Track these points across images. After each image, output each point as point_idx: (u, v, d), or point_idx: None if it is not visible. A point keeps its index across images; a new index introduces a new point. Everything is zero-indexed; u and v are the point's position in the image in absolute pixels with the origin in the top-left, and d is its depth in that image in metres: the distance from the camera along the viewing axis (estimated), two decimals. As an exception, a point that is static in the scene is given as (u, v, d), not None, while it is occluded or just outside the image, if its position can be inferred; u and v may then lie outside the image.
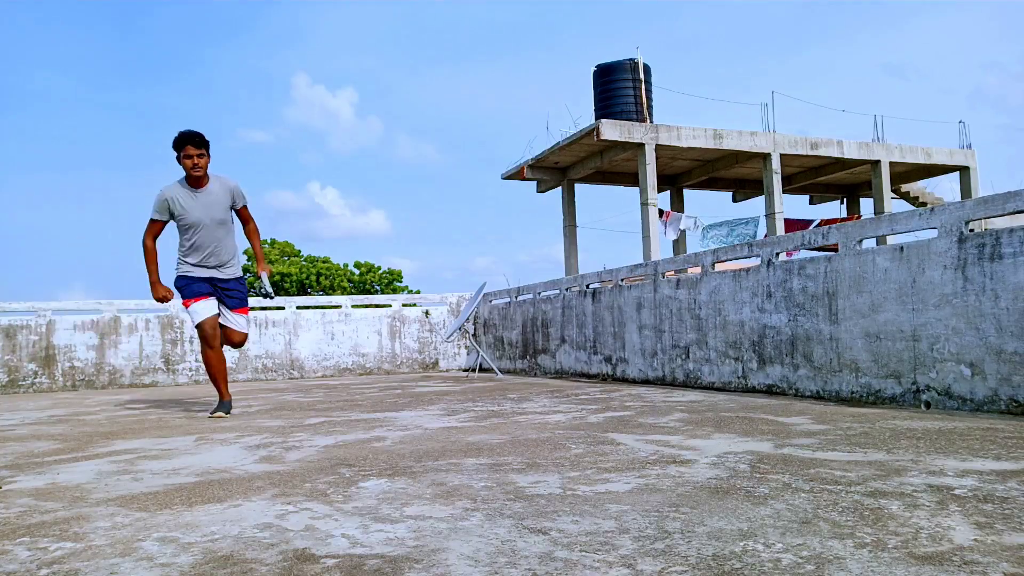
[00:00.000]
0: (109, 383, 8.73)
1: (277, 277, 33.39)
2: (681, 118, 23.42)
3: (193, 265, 4.62)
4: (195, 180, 4.54)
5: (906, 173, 22.23)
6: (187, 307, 4.63)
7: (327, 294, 33.64)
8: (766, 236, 19.70)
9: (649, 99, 19.49)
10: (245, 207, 4.79)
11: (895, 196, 22.00)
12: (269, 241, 36.52)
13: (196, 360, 9.13)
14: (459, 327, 8.86)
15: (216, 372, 4.68)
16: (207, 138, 4.56)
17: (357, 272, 35.93)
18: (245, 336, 4.90)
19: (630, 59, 19.59)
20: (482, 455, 2.72)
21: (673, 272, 6.10)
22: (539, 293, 8.49)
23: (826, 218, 21.98)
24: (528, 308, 8.63)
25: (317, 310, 9.91)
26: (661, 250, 18.90)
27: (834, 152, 20.00)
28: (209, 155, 4.55)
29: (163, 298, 4.62)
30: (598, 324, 7.10)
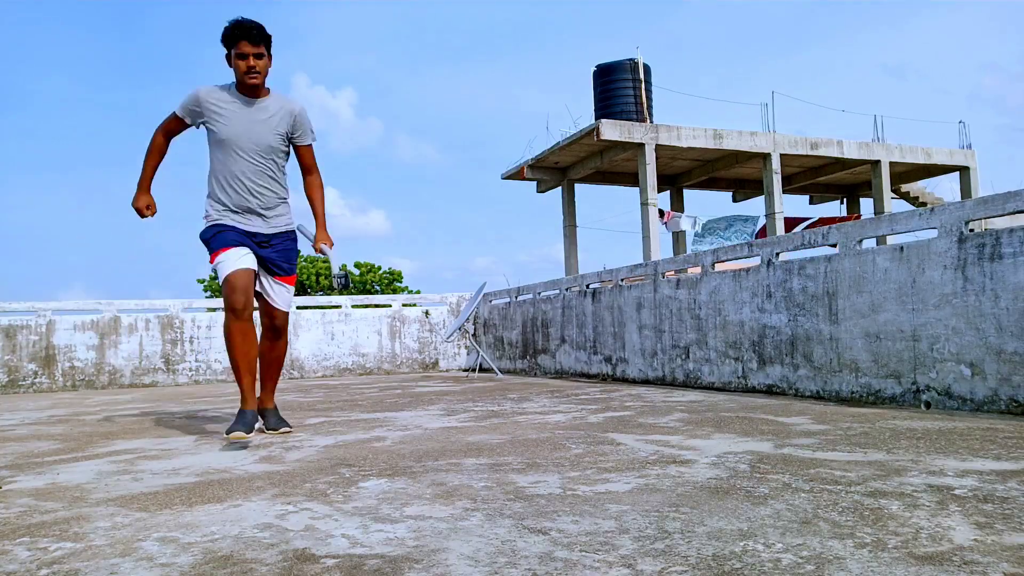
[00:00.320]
0: (109, 383, 8.73)
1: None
2: (681, 118, 23.44)
3: (225, 208, 3.36)
4: (250, 89, 3.34)
5: (906, 173, 22.23)
6: (213, 262, 3.37)
7: (327, 294, 33.66)
8: (760, 230, 19.72)
9: (649, 99, 19.49)
10: (310, 147, 3.54)
11: (895, 196, 22.00)
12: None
13: (196, 360, 9.12)
14: (459, 327, 8.86)
15: (240, 357, 3.29)
16: (269, 32, 3.31)
17: (357, 272, 35.94)
18: (287, 316, 3.59)
19: (630, 59, 19.60)
20: (482, 455, 2.72)
21: (673, 272, 6.10)
22: (539, 293, 8.49)
23: (825, 217, 21.97)
24: (528, 308, 8.63)
25: (317, 310, 9.91)
26: (661, 250, 18.90)
27: (834, 152, 20.00)
28: (270, 56, 3.34)
29: (142, 209, 3.37)
30: (598, 324, 7.10)
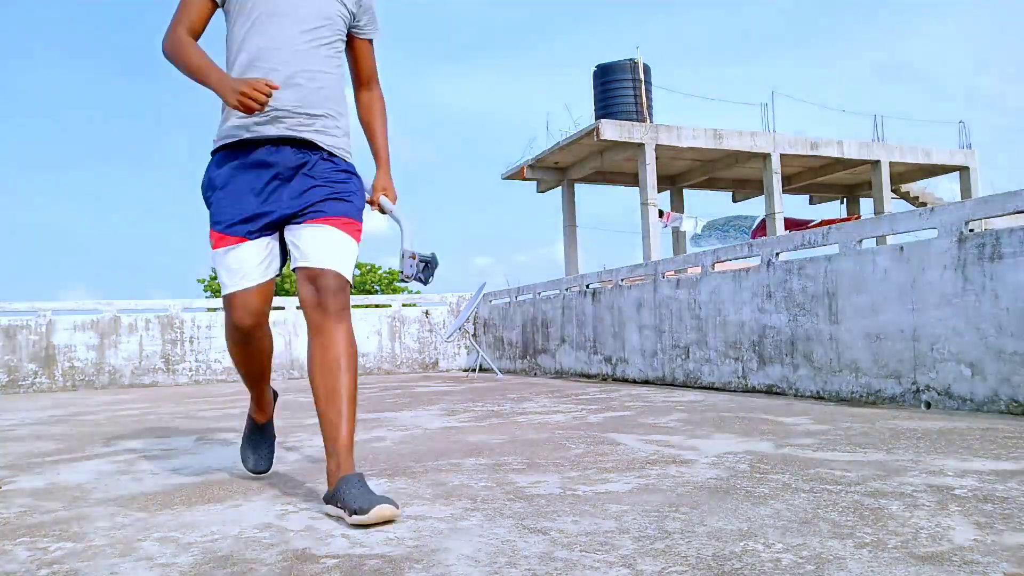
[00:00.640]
0: (109, 383, 8.73)
1: (277, 278, 32.38)
2: (681, 118, 23.41)
3: (243, 119, 2.03)
4: None
5: (906, 173, 22.23)
6: (213, 250, 2.12)
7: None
8: (757, 228, 19.73)
9: (649, 99, 19.49)
10: (371, 43, 2.28)
11: (895, 196, 21.99)
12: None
13: (196, 360, 9.12)
14: (459, 327, 8.86)
15: (248, 375, 2.30)
16: None
17: (357, 272, 35.96)
18: (341, 281, 2.01)
19: (630, 59, 19.60)
20: (482, 455, 2.72)
21: (673, 272, 6.10)
22: (539, 293, 8.49)
23: (826, 218, 21.98)
24: (528, 308, 8.63)
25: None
26: (661, 250, 18.90)
27: (834, 152, 20.00)
28: None
29: (247, 99, 1.87)
30: (598, 324, 7.10)
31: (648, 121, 18.87)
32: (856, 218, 22.14)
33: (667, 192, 23.11)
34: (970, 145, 21.80)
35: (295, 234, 2.05)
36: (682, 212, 22.29)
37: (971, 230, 3.67)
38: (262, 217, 2.04)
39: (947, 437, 2.76)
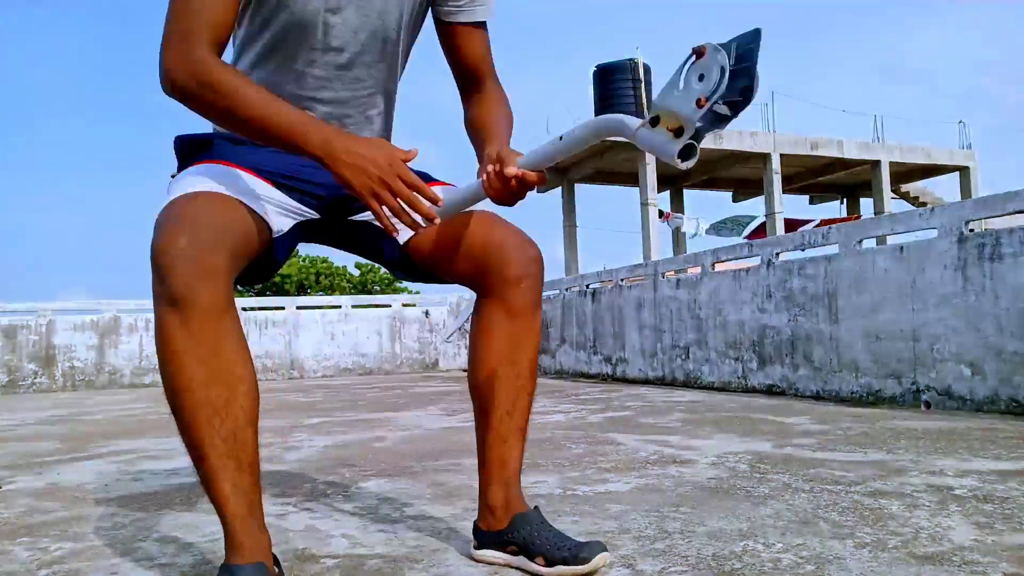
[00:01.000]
0: (109, 383, 8.73)
1: (277, 278, 32.79)
2: (681, 118, 23.33)
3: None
4: None
5: (906, 173, 22.22)
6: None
7: (327, 294, 33.64)
8: (758, 229, 19.73)
9: (649, 99, 19.47)
10: (484, 25, 1.49)
11: (895, 196, 22.00)
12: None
13: (196, 360, 9.11)
14: (459, 327, 8.86)
15: (205, 436, 1.28)
16: None
17: (357, 272, 35.93)
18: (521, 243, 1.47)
19: (630, 59, 19.59)
20: (482, 455, 2.71)
21: (673, 272, 6.10)
22: (539, 293, 8.48)
23: (826, 218, 21.97)
24: (528, 308, 8.63)
25: (317, 310, 9.91)
26: (661, 250, 18.90)
27: (834, 152, 20.00)
28: None
29: (395, 157, 1.20)
30: (598, 324, 7.10)
31: (648, 121, 18.84)
32: (856, 218, 22.15)
33: (667, 192, 23.11)
34: (970, 145, 21.80)
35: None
36: (682, 212, 22.29)
37: (971, 230, 3.67)
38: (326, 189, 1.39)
39: (947, 437, 2.76)
